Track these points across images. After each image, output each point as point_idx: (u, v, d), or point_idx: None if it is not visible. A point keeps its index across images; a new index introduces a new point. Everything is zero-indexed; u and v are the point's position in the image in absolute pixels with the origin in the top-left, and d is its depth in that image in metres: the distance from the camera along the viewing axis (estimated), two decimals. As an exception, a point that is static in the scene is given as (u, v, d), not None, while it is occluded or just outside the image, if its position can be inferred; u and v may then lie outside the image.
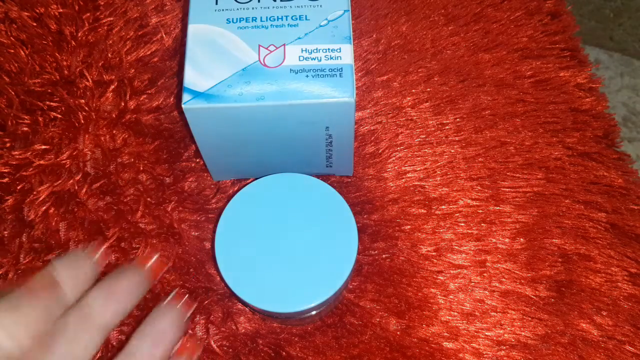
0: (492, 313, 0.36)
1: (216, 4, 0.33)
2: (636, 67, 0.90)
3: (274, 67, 0.31)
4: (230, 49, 0.32)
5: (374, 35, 0.43)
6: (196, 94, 0.30)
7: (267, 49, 0.32)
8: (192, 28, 0.32)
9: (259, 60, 0.31)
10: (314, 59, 0.31)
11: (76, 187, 0.37)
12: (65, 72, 0.40)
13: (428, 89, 0.42)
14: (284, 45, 0.32)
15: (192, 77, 0.31)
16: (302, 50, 0.32)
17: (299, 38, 0.32)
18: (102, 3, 0.42)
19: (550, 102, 0.42)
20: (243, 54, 0.31)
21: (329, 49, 0.32)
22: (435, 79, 0.42)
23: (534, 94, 0.42)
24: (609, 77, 0.89)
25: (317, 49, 0.32)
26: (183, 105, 0.30)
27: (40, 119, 0.38)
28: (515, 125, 0.41)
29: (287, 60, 0.31)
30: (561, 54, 0.44)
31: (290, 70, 0.31)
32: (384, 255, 0.37)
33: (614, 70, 0.90)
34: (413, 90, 0.41)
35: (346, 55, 0.31)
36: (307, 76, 0.31)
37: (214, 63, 0.31)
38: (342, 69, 0.31)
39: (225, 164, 0.36)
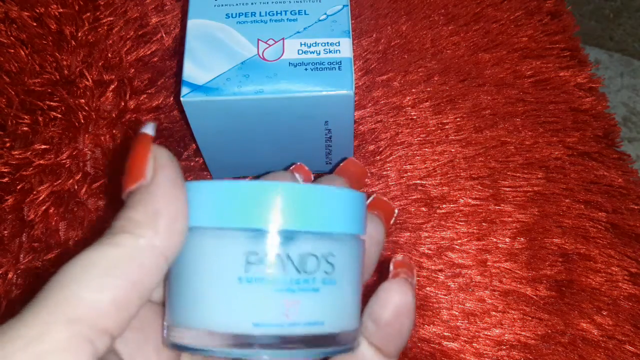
0: (493, 313, 0.36)
1: None
2: (636, 67, 0.90)
3: (273, 60, 0.31)
4: (229, 43, 0.32)
5: (374, 35, 0.43)
6: (195, 87, 0.30)
7: (266, 42, 0.32)
8: (191, 23, 0.32)
9: (258, 54, 0.31)
10: (313, 53, 0.31)
11: (76, 187, 0.37)
12: (65, 72, 0.40)
13: (428, 89, 0.42)
14: (283, 39, 0.32)
15: (191, 71, 0.31)
16: (301, 44, 0.32)
17: (298, 32, 0.32)
18: (102, 3, 0.42)
19: (551, 101, 0.42)
20: (242, 48, 0.32)
21: (328, 42, 0.32)
22: (436, 78, 0.42)
23: (534, 93, 0.42)
24: (609, 77, 0.89)
25: (316, 43, 0.32)
26: (182, 98, 0.30)
27: (40, 119, 0.38)
28: (515, 124, 0.41)
29: (286, 54, 0.31)
30: (561, 54, 0.44)
31: (289, 63, 0.31)
32: (384, 254, 0.37)
33: (614, 70, 0.90)
34: (413, 90, 0.41)
35: (345, 48, 0.32)
36: (306, 69, 0.31)
37: (213, 57, 0.31)
38: (341, 62, 0.31)
39: (225, 161, 0.36)
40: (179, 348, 0.22)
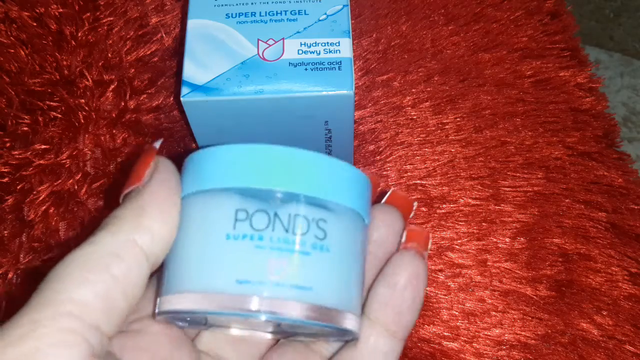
0: (493, 313, 0.36)
1: None
2: (636, 67, 0.90)
3: (273, 60, 0.31)
4: (229, 43, 0.32)
5: (374, 35, 0.43)
6: (195, 87, 0.31)
7: (266, 42, 0.32)
8: (191, 23, 0.32)
9: (258, 53, 0.31)
10: (313, 53, 0.31)
11: (76, 187, 0.37)
12: (65, 72, 0.40)
13: (428, 89, 0.42)
14: (283, 39, 0.32)
15: (191, 71, 0.31)
16: (301, 44, 0.32)
17: (298, 32, 0.32)
18: (102, 3, 0.42)
19: (551, 101, 0.42)
20: (242, 48, 0.32)
21: (328, 42, 0.32)
22: (436, 78, 0.42)
23: (534, 93, 0.42)
24: (609, 77, 0.89)
25: (316, 43, 0.32)
26: (182, 98, 0.30)
27: (40, 119, 0.38)
28: (515, 124, 0.41)
29: (286, 54, 0.31)
30: (561, 54, 0.44)
31: (289, 63, 0.31)
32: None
33: (614, 70, 0.90)
34: (413, 90, 0.41)
35: (345, 48, 0.32)
36: (306, 69, 0.31)
37: (213, 57, 0.31)
38: (341, 62, 0.31)
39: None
40: (164, 314, 0.21)
